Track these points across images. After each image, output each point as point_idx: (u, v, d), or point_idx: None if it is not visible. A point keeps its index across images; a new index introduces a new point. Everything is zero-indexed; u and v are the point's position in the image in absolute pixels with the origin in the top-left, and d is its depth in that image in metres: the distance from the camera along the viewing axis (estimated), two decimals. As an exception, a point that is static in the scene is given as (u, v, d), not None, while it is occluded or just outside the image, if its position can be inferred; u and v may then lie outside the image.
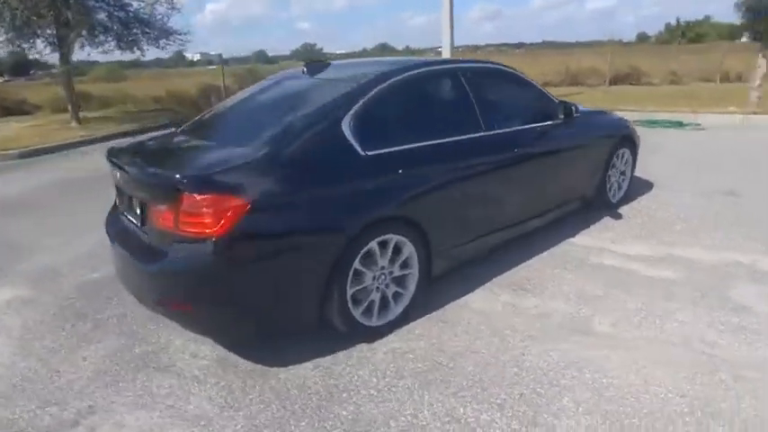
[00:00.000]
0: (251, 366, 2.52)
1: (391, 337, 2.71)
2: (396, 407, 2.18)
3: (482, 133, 3.11)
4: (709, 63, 17.21)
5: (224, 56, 21.13)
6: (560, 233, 3.94)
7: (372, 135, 2.59)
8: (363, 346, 2.63)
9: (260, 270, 2.24)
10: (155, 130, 11.77)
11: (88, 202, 5.23)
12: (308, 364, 2.50)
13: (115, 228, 2.82)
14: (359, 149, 2.52)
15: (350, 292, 2.49)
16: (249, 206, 2.14)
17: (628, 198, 4.70)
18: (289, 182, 2.31)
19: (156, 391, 2.38)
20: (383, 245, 2.58)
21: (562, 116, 3.62)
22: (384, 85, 2.75)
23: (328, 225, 2.38)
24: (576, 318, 2.81)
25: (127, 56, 11.99)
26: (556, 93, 4.22)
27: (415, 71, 2.97)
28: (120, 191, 2.77)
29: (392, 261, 2.66)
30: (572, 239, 3.90)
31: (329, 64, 3.28)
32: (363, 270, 2.53)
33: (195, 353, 2.67)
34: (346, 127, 2.52)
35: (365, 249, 2.49)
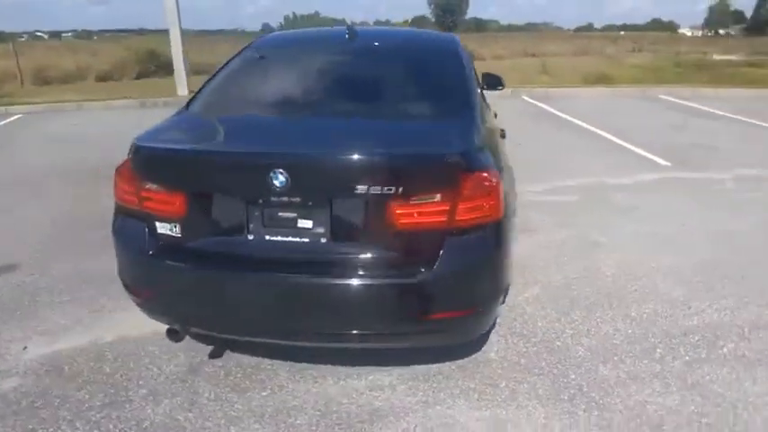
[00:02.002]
0: (455, 365, 2.26)
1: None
2: (599, 330, 2.51)
3: None
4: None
5: None
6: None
7: None
8: (503, 308, 2.71)
9: (506, 250, 2.05)
10: None
11: None
12: (493, 338, 2.45)
13: (246, 259, 1.88)
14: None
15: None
16: (500, 180, 1.94)
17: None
18: (492, 153, 2.15)
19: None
20: None
21: (485, 85, 4.25)
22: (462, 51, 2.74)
23: (513, 195, 2.37)
24: (581, 237, 3.64)
25: None
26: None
27: (448, 39, 3.02)
28: (250, 198, 1.85)
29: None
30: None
31: (358, 30, 2.85)
32: None
33: (376, 384, 2.15)
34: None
35: None
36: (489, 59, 24.07)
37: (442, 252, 1.79)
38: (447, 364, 2.28)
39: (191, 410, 2.03)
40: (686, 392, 2.08)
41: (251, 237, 1.86)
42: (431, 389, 2.13)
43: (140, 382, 2.19)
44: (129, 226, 2.01)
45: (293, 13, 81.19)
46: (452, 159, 1.78)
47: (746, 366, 2.24)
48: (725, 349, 2.38)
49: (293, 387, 2.15)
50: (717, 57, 25.16)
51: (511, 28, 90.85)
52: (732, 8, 77.64)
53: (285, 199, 1.79)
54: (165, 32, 10.62)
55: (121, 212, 2.05)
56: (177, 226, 1.90)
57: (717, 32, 75.46)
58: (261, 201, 1.83)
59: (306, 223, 1.82)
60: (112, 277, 2.96)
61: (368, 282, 1.80)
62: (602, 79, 13.25)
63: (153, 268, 1.95)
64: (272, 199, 1.81)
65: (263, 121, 2.20)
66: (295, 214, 1.82)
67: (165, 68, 14.05)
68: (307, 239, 1.83)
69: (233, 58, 2.71)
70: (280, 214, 1.83)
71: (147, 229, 1.95)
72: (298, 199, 1.79)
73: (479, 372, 2.23)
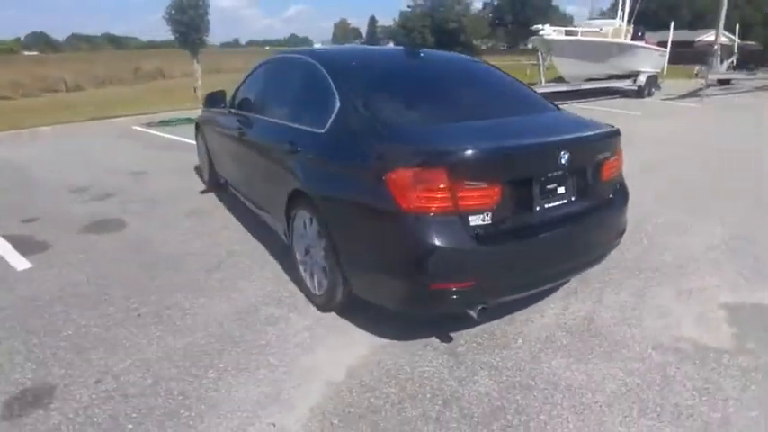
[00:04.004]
0: (575, 282, 3.22)
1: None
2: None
3: None
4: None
5: None
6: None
7: None
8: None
9: None
10: None
11: None
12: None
13: (541, 228, 2.41)
14: None
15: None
16: None
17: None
18: None
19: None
20: None
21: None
22: None
23: None
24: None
25: None
26: None
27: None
28: (538, 178, 2.37)
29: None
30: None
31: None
32: None
33: (557, 315, 2.90)
34: None
35: None
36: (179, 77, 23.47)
37: (617, 192, 2.76)
38: (566, 286, 3.20)
39: (521, 371, 2.34)
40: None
41: (537, 208, 2.37)
42: (583, 300, 3.02)
43: (450, 384, 2.28)
44: (436, 228, 2.15)
45: None
46: (618, 132, 2.76)
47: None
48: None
49: (527, 330, 2.69)
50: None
51: (155, 45, 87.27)
52: (351, 26, 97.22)
53: (554, 174, 2.40)
54: None
55: (421, 219, 2.14)
56: (489, 214, 2.20)
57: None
58: (543, 179, 2.36)
59: (561, 189, 2.46)
60: (190, 354, 2.57)
61: (599, 220, 2.62)
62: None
63: (479, 257, 2.19)
64: (548, 176, 2.38)
65: (491, 123, 2.63)
66: (556, 184, 2.43)
67: None
68: (564, 201, 2.48)
69: (329, 74, 2.87)
70: (547, 187, 2.40)
71: (463, 225, 2.16)
72: (560, 173, 2.42)
73: (586, 280, 3.26)
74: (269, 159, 3.26)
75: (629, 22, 12.84)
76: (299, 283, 3.12)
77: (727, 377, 2.31)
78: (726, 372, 2.35)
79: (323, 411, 2.12)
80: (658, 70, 13.42)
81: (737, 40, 17.93)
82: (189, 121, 10.04)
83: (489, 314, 2.69)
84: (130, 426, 2.04)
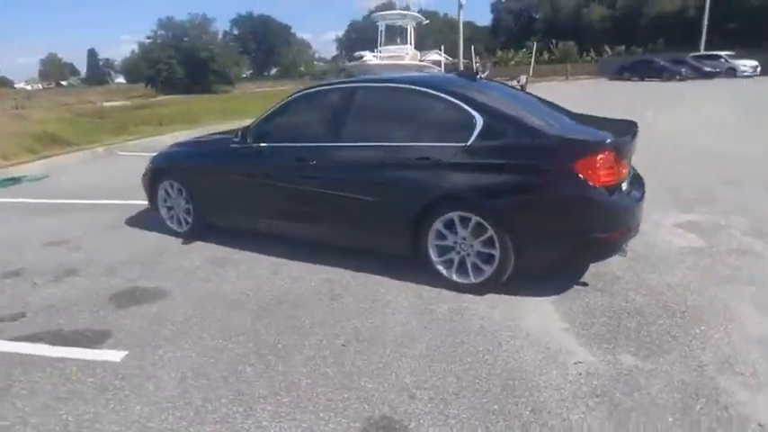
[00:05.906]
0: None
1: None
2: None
3: None
4: None
5: None
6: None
7: None
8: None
9: None
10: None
11: None
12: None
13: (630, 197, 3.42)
14: None
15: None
16: None
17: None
18: None
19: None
20: None
21: None
22: None
23: None
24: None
25: None
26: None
27: None
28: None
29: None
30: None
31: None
32: None
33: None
34: None
35: None
36: None
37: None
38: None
39: (644, 287, 3.36)
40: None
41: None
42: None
43: (623, 304, 3.16)
44: (614, 195, 3.08)
45: None
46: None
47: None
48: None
49: (612, 268, 3.74)
50: (108, 104, 27.26)
51: None
52: (63, 61, 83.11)
53: (629, 152, 3.53)
54: None
55: (606, 190, 3.02)
56: (626, 182, 3.23)
57: (59, 84, 78.90)
58: (627, 155, 3.45)
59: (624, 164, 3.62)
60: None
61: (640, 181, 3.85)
62: (57, 141, 11.10)
63: (628, 211, 3.20)
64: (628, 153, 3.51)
65: (584, 122, 3.59)
66: (627, 160, 3.56)
67: None
68: (630, 174, 3.61)
69: (456, 98, 3.42)
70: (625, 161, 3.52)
71: (622, 190, 3.14)
72: (630, 152, 3.57)
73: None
74: (380, 180, 3.56)
75: (414, 47, 15.65)
76: (429, 282, 3.52)
77: (726, 257, 3.85)
78: (721, 254, 3.90)
79: (592, 342, 2.78)
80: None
81: (476, 59, 23.36)
82: (13, 180, 8.00)
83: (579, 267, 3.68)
84: (496, 406, 2.32)
